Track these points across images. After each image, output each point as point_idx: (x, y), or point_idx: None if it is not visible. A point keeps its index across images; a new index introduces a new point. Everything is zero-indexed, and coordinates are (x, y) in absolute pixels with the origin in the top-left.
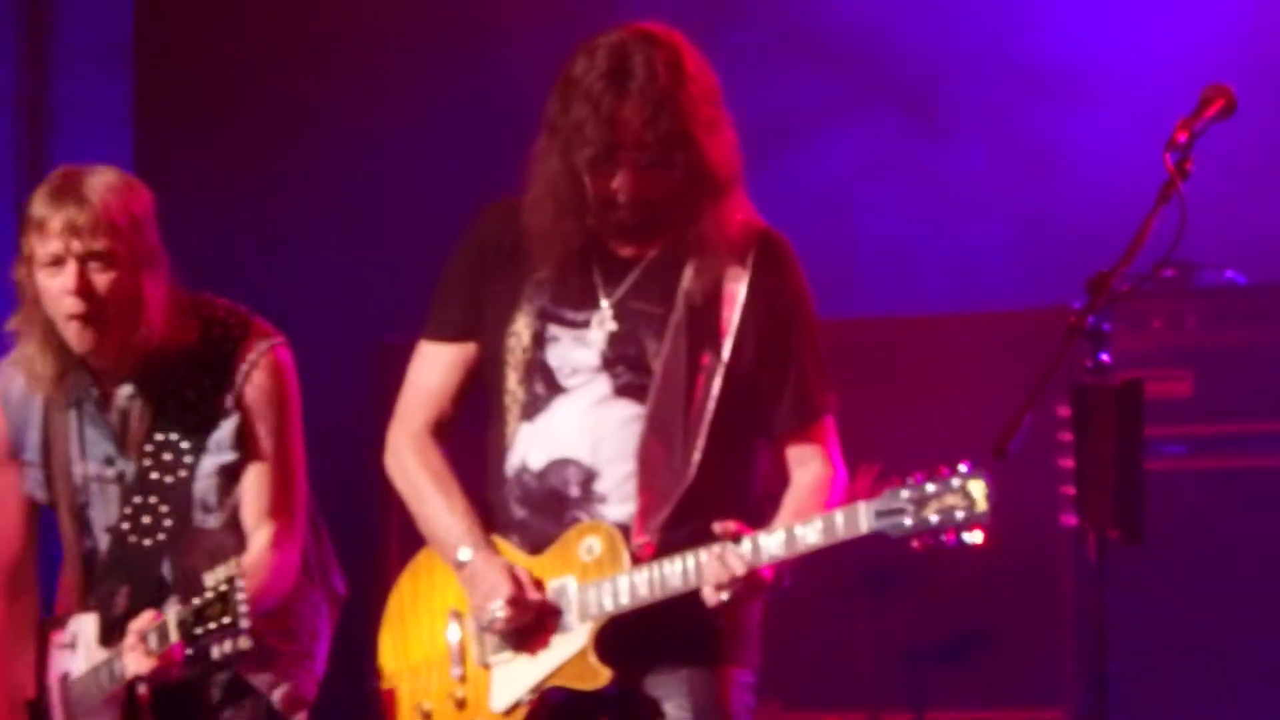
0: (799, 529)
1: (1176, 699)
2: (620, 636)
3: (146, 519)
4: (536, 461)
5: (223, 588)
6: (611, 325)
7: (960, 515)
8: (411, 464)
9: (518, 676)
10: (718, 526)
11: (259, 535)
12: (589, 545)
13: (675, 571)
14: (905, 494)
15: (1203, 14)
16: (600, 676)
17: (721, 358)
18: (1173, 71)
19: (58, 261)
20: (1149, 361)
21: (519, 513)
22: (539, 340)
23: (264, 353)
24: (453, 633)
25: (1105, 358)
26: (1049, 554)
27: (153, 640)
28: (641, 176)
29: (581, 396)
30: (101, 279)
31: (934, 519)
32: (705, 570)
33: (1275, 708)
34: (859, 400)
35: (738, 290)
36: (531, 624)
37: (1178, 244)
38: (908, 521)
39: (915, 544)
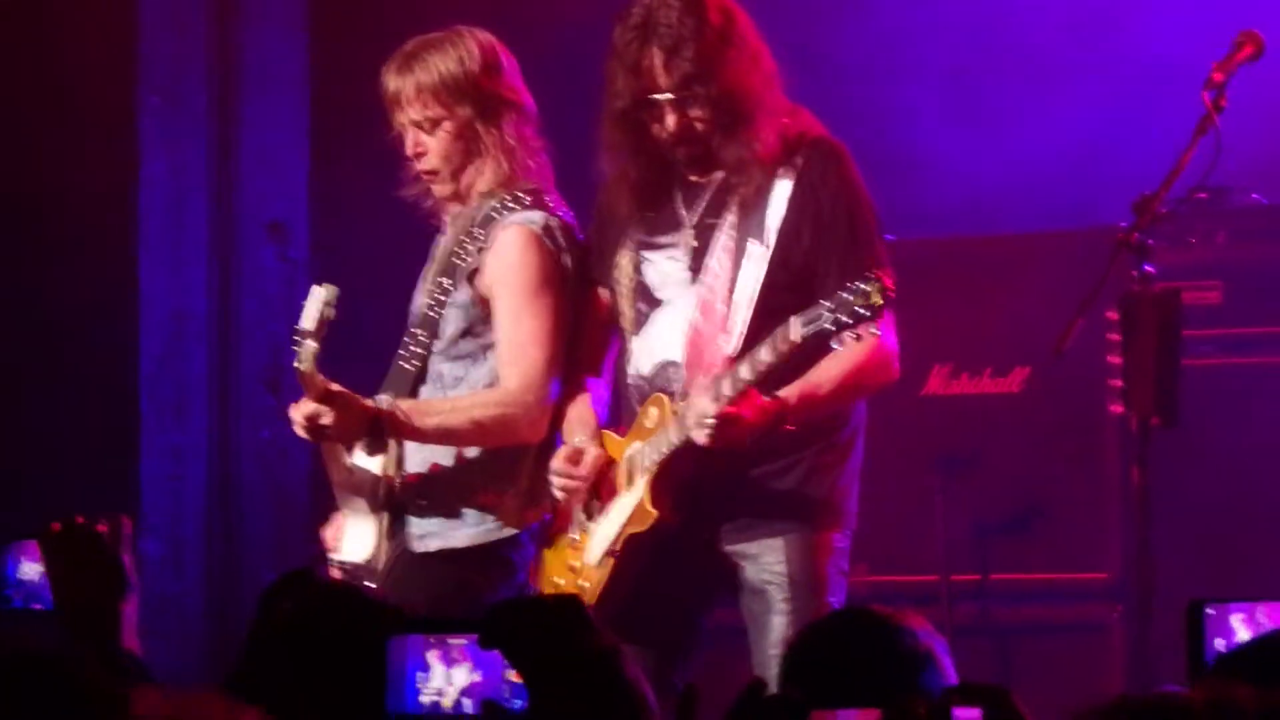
0: (757, 351)
1: (1206, 564)
2: (719, 498)
3: (414, 347)
4: (646, 368)
5: None
6: (693, 242)
7: (861, 310)
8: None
9: (604, 533)
10: (694, 385)
11: (494, 392)
12: (651, 413)
13: (686, 417)
14: (825, 303)
15: None
16: (649, 517)
17: (766, 246)
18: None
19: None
20: (1185, 273)
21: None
22: (636, 267)
23: (512, 226)
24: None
25: (1149, 269)
26: (1099, 438)
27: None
28: (678, 114)
29: (676, 306)
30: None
31: (844, 317)
32: (685, 415)
33: None
34: (934, 310)
35: (785, 189)
36: (587, 491)
37: (1212, 171)
38: (826, 323)
39: (839, 345)
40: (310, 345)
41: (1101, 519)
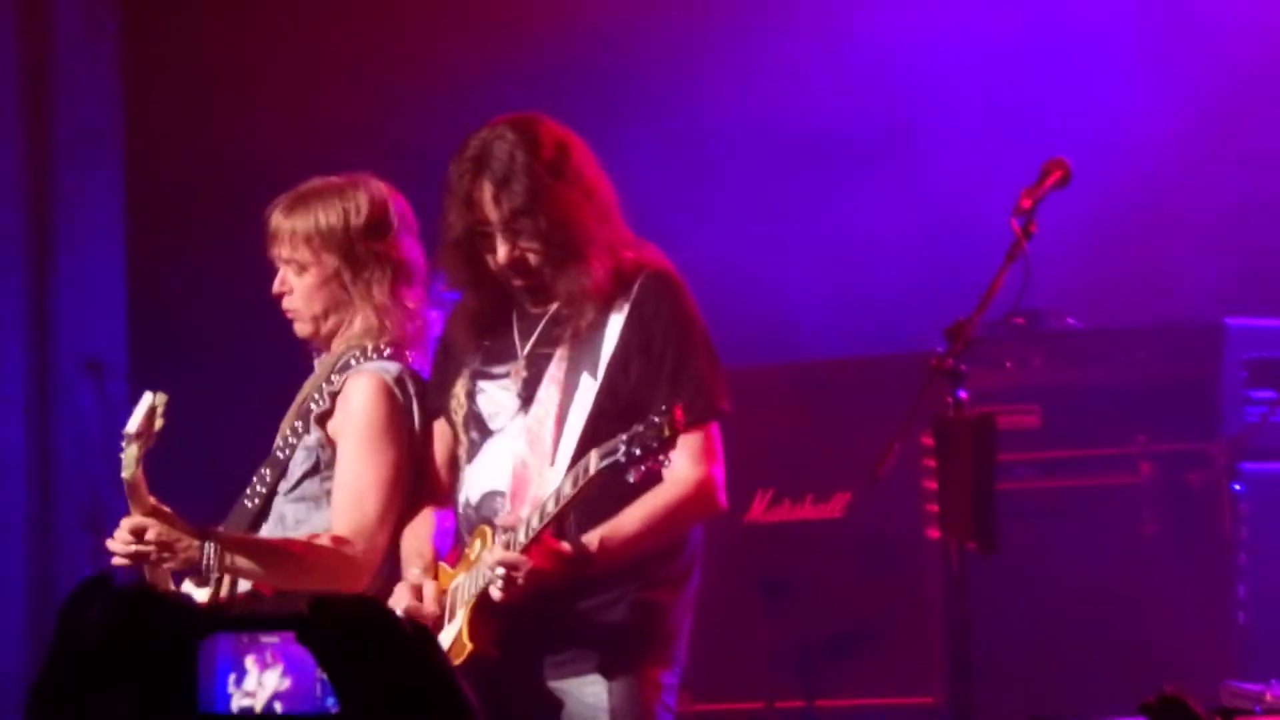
0: (562, 484)
1: (1026, 683)
2: (542, 631)
3: (259, 486)
4: (474, 497)
5: None
6: (524, 373)
7: (654, 444)
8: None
9: None
10: (501, 518)
11: (325, 537)
12: (475, 545)
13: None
14: (622, 436)
15: (1049, 86)
16: (464, 650)
17: (596, 378)
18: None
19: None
20: (1002, 397)
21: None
22: (471, 396)
23: (364, 374)
24: None
25: (963, 394)
26: (918, 563)
27: None
28: (509, 246)
29: (506, 436)
30: (297, 281)
31: (637, 450)
32: (482, 566)
33: (1106, 690)
34: (755, 436)
35: (618, 322)
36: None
37: (1023, 295)
38: (620, 456)
39: (633, 477)
40: (133, 450)
41: (925, 642)
